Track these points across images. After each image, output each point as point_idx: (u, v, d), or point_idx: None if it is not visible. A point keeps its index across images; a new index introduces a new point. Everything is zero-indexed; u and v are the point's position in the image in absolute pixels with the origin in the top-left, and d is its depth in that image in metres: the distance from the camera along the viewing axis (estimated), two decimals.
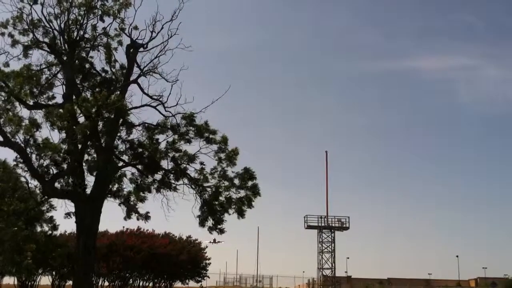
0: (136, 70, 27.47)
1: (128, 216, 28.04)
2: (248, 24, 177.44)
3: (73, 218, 27.29)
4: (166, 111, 26.77)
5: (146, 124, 26.73)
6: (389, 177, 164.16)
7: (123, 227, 57.92)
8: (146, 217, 28.16)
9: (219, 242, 28.12)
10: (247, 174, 26.04)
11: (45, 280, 58.48)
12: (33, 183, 25.89)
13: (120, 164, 26.96)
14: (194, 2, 27.51)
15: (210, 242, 27.81)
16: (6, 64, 26.13)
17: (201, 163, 26.34)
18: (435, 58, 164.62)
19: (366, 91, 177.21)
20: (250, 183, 26.09)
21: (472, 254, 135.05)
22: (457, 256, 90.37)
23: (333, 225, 68.21)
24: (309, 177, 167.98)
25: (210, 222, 26.43)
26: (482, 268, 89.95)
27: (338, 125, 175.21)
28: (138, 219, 28.26)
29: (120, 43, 27.93)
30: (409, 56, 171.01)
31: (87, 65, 27.85)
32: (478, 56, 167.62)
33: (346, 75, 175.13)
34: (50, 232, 32.06)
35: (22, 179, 26.06)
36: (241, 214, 26.05)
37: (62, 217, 27.59)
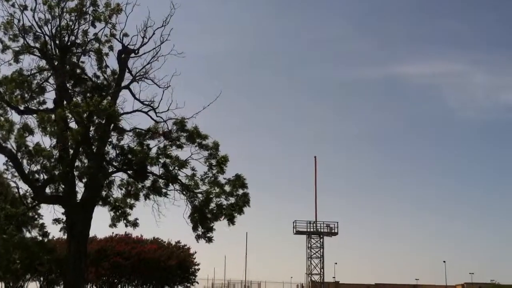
0: (127, 76, 27.56)
1: (114, 224, 28.02)
2: (240, 30, 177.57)
3: (61, 224, 27.39)
4: (157, 116, 26.88)
5: (137, 130, 26.74)
6: (378, 182, 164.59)
7: (113, 232, 57.88)
8: (134, 224, 28.15)
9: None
10: (239, 182, 26.02)
11: (33, 285, 58.27)
12: (23, 188, 25.88)
13: (111, 170, 26.91)
14: (186, 8, 27.64)
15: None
16: None
17: (192, 169, 26.37)
18: (423, 64, 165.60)
19: (356, 97, 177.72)
20: (241, 191, 26.07)
21: (459, 260, 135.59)
22: (444, 262, 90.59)
23: (322, 230, 68.31)
24: (299, 182, 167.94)
25: (199, 230, 26.42)
26: (469, 274, 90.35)
27: (328, 131, 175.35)
28: (126, 225, 28.26)
29: (111, 48, 28.02)
30: (399, 63, 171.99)
31: (78, 71, 27.83)
32: (466, 62, 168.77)
33: (336, 82, 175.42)
34: (40, 238, 31.95)
35: (12, 184, 26.03)
36: (231, 221, 26.01)
37: (50, 223, 27.71)
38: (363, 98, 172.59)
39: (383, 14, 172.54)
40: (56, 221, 27.09)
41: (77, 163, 26.66)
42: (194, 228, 26.35)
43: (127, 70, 27.53)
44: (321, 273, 66.98)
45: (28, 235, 31.90)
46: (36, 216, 29.49)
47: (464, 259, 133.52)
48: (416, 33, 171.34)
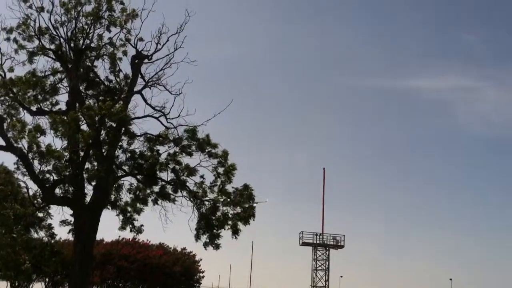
0: (140, 81, 27.73)
1: (122, 227, 28.10)
2: (250, 37, 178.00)
3: (69, 226, 27.48)
4: (168, 122, 27.01)
5: (148, 135, 26.88)
6: (386, 196, 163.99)
7: (119, 236, 57.94)
8: (138, 230, 28.20)
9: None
10: (246, 192, 25.86)
11: (38, 286, 58.39)
12: (33, 188, 26.02)
13: (120, 173, 27.04)
14: (200, 15, 27.77)
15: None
16: (11, 69, 26.33)
17: (201, 177, 26.40)
18: (434, 78, 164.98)
19: (365, 108, 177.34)
20: (247, 204, 25.83)
21: (466, 277, 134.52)
22: (450, 279, 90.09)
23: (328, 242, 68.12)
24: (306, 193, 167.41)
25: (206, 237, 26.39)
26: None
27: (336, 142, 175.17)
28: (131, 231, 28.33)
29: (125, 53, 28.19)
30: (409, 75, 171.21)
31: (91, 74, 28.04)
32: (477, 77, 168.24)
33: (345, 91, 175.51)
34: (47, 239, 32.04)
35: (22, 184, 26.19)
36: (236, 233, 25.85)
37: (58, 224, 27.82)
38: (373, 110, 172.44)
39: (394, 26, 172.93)
40: (64, 222, 27.23)
41: (87, 165, 26.79)
42: (200, 235, 26.34)
43: (139, 76, 27.72)
44: (326, 285, 66.70)
45: (35, 235, 32.06)
46: (47, 216, 29.55)
47: (471, 278, 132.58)
48: (426, 47, 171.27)
